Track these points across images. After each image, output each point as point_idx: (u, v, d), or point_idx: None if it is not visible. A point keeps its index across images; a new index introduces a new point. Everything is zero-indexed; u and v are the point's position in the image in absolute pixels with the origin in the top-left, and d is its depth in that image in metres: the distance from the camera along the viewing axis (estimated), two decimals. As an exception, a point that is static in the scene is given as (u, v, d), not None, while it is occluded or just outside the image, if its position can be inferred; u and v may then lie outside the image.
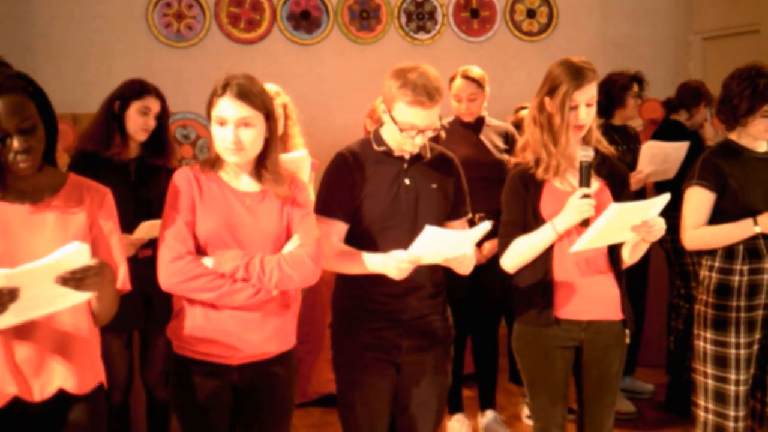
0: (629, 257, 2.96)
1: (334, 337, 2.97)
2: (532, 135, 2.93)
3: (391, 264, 2.61)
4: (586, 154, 2.80)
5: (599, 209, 2.72)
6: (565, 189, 2.88)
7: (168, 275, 2.50)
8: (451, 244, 2.64)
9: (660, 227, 2.76)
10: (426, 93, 2.68)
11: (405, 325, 2.86)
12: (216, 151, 2.60)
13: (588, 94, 2.85)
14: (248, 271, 2.50)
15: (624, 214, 2.68)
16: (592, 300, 2.89)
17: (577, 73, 2.83)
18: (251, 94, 2.54)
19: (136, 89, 3.58)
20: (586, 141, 2.93)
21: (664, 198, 2.74)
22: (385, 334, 2.85)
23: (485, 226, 2.60)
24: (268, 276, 2.51)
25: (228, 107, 2.53)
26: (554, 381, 2.94)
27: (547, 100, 2.89)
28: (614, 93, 4.74)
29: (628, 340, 2.99)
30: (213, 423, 2.62)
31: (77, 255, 2.00)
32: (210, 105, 2.57)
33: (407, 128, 2.72)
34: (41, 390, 2.19)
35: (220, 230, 2.54)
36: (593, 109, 2.89)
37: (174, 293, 2.57)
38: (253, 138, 2.56)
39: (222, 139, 2.55)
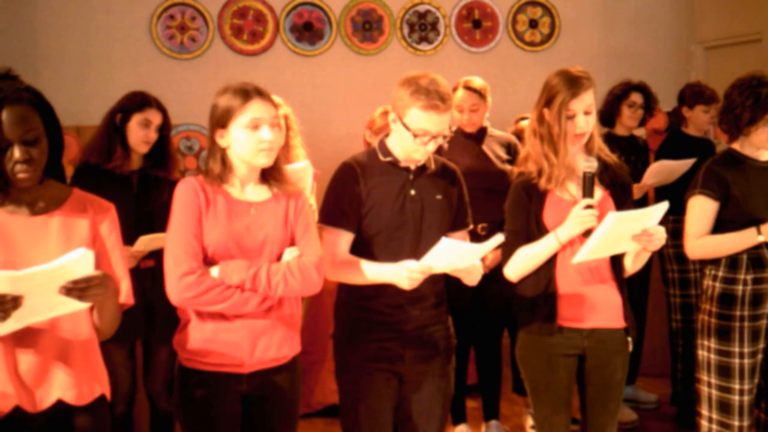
0: (631, 266, 2.97)
1: (337, 347, 2.97)
2: (532, 146, 2.94)
3: (402, 274, 2.61)
4: (590, 165, 2.81)
5: (602, 218, 2.73)
6: (568, 199, 2.89)
7: (179, 291, 2.49)
8: (462, 255, 2.65)
9: (661, 236, 2.76)
10: (439, 97, 2.71)
11: (407, 335, 2.86)
12: (238, 160, 2.60)
13: (585, 103, 2.86)
14: (254, 283, 2.51)
15: (623, 222, 2.68)
16: (595, 308, 2.89)
17: (572, 82, 2.85)
18: (270, 96, 2.62)
19: (137, 102, 3.59)
20: (588, 149, 2.94)
21: (663, 206, 2.74)
22: (387, 344, 2.85)
23: (498, 238, 2.61)
24: (274, 289, 2.52)
25: (261, 108, 2.57)
26: (557, 389, 2.94)
27: (545, 110, 2.90)
28: (609, 102, 4.76)
29: (630, 348, 2.99)
30: None
31: (82, 261, 2.00)
32: (232, 113, 2.55)
33: (421, 134, 2.74)
34: (41, 400, 2.19)
35: (227, 241, 2.54)
36: (592, 117, 2.90)
37: (185, 307, 2.57)
38: (279, 137, 2.63)
39: (259, 142, 2.56)
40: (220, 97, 2.60)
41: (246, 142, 2.56)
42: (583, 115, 2.87)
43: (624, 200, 2.95)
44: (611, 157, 2.99)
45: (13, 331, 2.07)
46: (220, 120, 2.57)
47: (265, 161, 2.60)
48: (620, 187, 2.99)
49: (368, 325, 2.86)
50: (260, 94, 2.58)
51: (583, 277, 2.88)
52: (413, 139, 2.75)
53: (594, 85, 2.90)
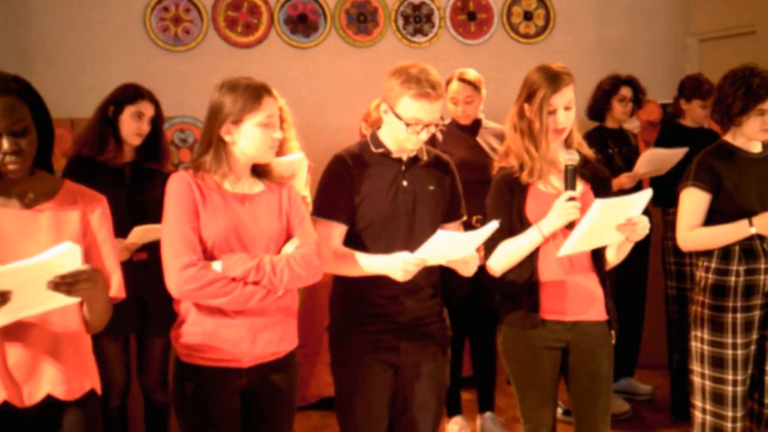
0: (614, 258, 2.98)
1: (332, 339, 2.98)
2: (513, 141, 2.96)
3: (396, 266, 2.61)
4: (571, 158, 2.82)
5: (584, 211, 2.74)
6: (550, 192, 2.90)
7: (180, 283, 2.48)
8: (457, 246, 2.65)
9: (644, 226, 2.78)
10: (430, 85, 2.72)
11: (403, 327, 2.87)
12: (242, 155, 2.60)
13: (565, 98, 2.88)
14: (259, 272, 2.51)
15: (609, 210, 2.68)
16: (577, 301, 2.90)
17: (553, 78, 2.86)
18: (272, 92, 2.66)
19: (129, 94, 3.58)
20: (567, 144, 2.96)
21: (647, 194, 2.75)
22: (383, 336, 2.86)
23: (493, 225, 2.62)
24: (279, 276, 2.52)
25: (273, 106, 2.61)
26: (542, 383, 2.95)
27: (526, 106, 2.92)
28: (598, 98, 4.79)
29: (614, 341, 2.99)
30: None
31: (68, 255, 1.99)
32: (248, 110, 2.55)
33: (413, 123, 2.74)
34: (29, 395, 2.18)
35: (227, 234, 2.54)
36: (572, 113, 2.92)
37: (186, 300, 2.56)
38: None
39: (271, 139, 2.60)
40: (227, 94, 2.57)
41: (259, 139, 2.57)
42: (564, 110, 2.88)
43: (604, 194, 2.95)
44: (589, 152, 3.01)
45: (2, 326, 2.06)
46: (231, 116, 2.55)
47: (272, 157, 2.63)
48: (600, 181, 3.01)
49: (363, 317, 2.87)
50: (269, 91, 2.60)
51: (565, 270, 2.89)
52: (406, 128, 2.75)
53: (574, 80, 2.92)
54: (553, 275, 2.89)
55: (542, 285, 2.89)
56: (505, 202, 2.92)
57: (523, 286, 2.90)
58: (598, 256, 2.95)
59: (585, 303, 2.91)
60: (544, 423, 2.98)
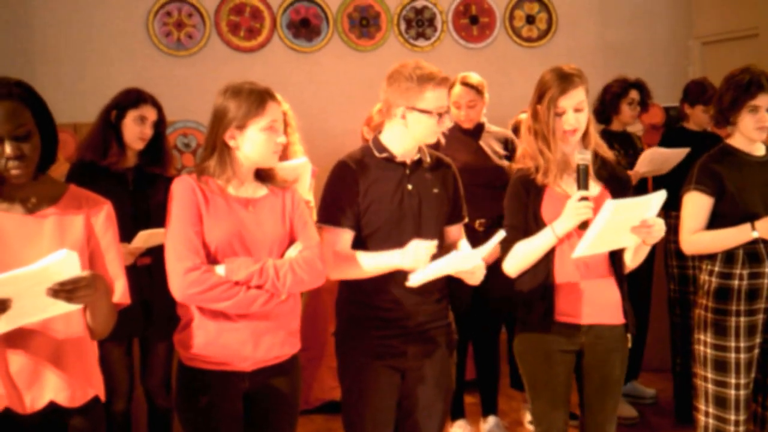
0: (632, 261, 2.96)
1: (339, 344, 2.98)
2: (528, 143, 2.96)
3: (409, 248, 2.62)
4: (583, 158, 2.81)
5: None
6: (566, 193, 2.89)
7: (184, 287, 2.48)
8: (466, 259, 2.67)
9: (660, 228, 2.76)
10: (437, 72, 2.80)
11: (410, 331, 2.87)
12: (245, 159, 2.60)
13: (574, 100, 2.87)
14: (262, 276, 2.51)
15: (622, 211, 2.66)
16: (593, 304, 2.89)
17: (562, 79, 2.86)
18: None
19: (132, 98, 3.59)
20: (585, 145, 2.95)
21: (661, 195, 2.73)
22: (390, 341, 2.86)
23: (500, 235, 2.63)
24: (282, 280, 2.52)
25: (277, 110, 2.62)
26: (555, 385, 2.94)
27: (538, 107, 2.91)
28: (607, 100, 4.79)
29: (630, 345, 2.99)
30: None
31: (65, 263, 1.98)
32: (252, 115, 2.56)
33: (441, 111, 2.79)
34: (32, 402, 2.18)
35: (230, 238, 2.54)
36: (584, 114, 2.90)
37: (189, 304, 2.56)
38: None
39: (275, 144, 2.61)
40: (231, 99, 2.57)
41: (263, 144, 2.58)
42: (573, 112, 2.87)
43: (623, 195, 2.94)
44: (608, 154, 3.00)
45: (4, 333, 2.06)
46: (235, 121, 2.56)
47: (276, 161, 2.64)
48: (618, 181, 2.99)
49: (370, 321, 2.87)
50: (273, 96, 2.61)
51: (581, 272, 2.88)
52: (435, 118, 2.78)
53: (586, 82, 2.90)
54: (569, 279, 2.88)
55: (557, 288, 2.89)
56: (522, 203, 2.92)
57: (538, 288, 2.89)
58: (616, 259, 2.94)
59: (601, 306, 2.90)
60: (556, 426, 2.97)
